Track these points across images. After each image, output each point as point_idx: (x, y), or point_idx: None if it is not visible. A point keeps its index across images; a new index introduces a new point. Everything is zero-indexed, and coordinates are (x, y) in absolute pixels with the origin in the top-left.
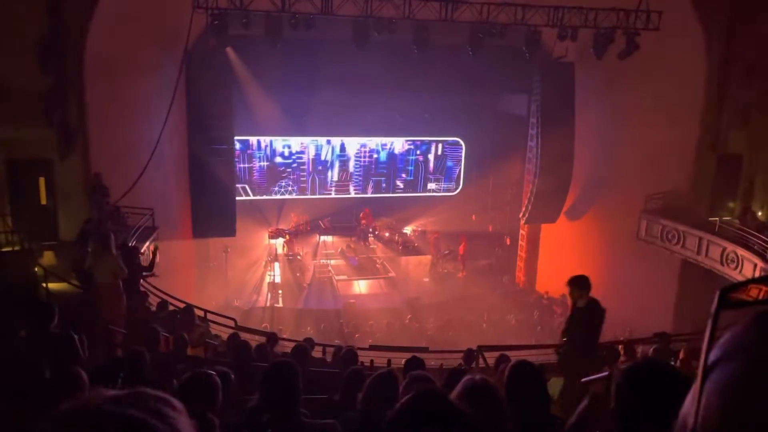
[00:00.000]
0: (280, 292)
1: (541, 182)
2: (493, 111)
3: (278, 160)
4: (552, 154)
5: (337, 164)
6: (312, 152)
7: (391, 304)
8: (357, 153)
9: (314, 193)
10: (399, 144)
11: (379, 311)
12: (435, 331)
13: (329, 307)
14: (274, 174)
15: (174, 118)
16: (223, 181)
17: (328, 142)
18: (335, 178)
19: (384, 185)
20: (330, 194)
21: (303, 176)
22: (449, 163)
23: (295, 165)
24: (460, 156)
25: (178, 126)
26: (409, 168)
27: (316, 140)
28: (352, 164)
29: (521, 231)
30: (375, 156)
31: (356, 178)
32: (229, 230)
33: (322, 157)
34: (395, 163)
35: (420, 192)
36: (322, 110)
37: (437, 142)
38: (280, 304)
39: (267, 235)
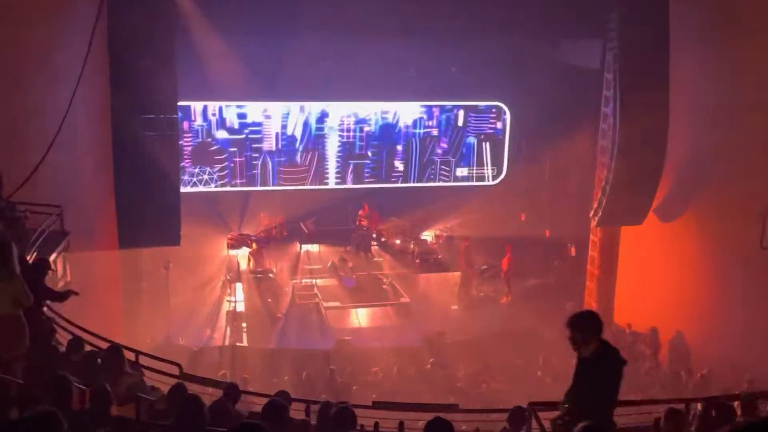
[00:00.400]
0: (244, 325)
1: (620, 167)
2: (549, 64)
3: (220, 135)
4: (636, 126)
5: (303, 140)
6: (279, 123)
7: (403, 342)
8: (340, 125)
9: (266, 184)
10: (409, 111)
11: (387, 352)
12: (467, 380)
13: (315, 346)
14: (202, 156)
15: (91, 78)
16: (162, 167)
17: (302, 109)
18: (299, 161)
19: (369, 170)
20: (293, 185)
21: (255, 158)
22: (484, 140)
23: (245, 143)
24: (501, 129)
25: (97, 89)
26: (413, 145)
27: (289, 106)
28: (333, 142)
29: (592, 237)
30: (365, 128)
31: (336, 161)
32: (170, 237)
33: (289, 131)
34: (391, 138)
35: (439, 180)
36: (304, 65)
37: (464, 108)
38: (245, 343)
39: (226, 244)
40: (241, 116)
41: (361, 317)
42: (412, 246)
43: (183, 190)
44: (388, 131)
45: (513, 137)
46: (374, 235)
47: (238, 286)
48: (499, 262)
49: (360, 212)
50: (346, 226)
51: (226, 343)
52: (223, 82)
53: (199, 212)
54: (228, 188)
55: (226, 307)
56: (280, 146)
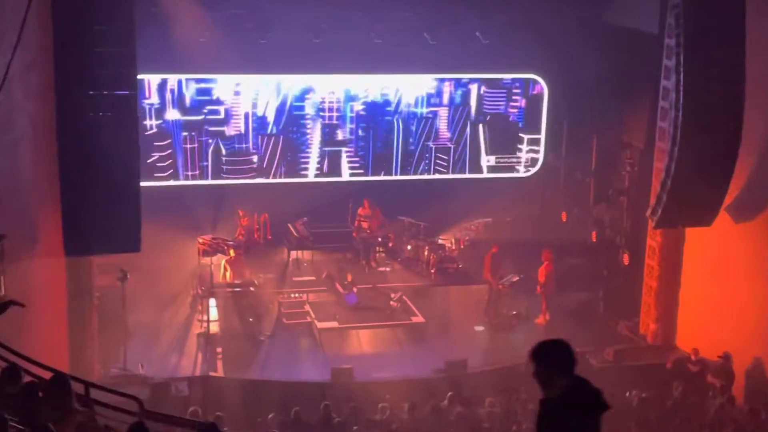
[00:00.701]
0: (219, 350)
1: (684, 155)
2: (596, 28)
3: (171, 115)
4: (705, 104)
5: (278, 122)
6: (249, 101)
7: (416, 373)
8: (321, 102)
9: (217, 176)
10: (415, 87)
11: (396, 385)
12: (495, 421)
13: (306, 376)
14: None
15: (30, 44)
16: (118, 156)
17: (278, 86)
18: (260, 149)
19: (360, 159)
20: (247, 178)
21: (210, 143)
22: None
23: (202, 125)
24: (536, 106)
25: (37, 59)
26: (418, 128)
27: (265, 80)
28: (316, 125)
29: (649, 241)
30: (356, 107)
31: (318, 148)
32: (128, 242)
33: (260, 112)
34: (389, 120)
35: (457, 173)
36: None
37: (484, 82)
38: (220, 372)
39: (197, 250)
40: (203, 92)
41: (363, 341)
42: (426, 253)
43: (144, 184)
44: (384, 111)
45: (551, 118)
46: (380, 240)
47: (212, 302)
48: (534, 273)
49: (359, 211)
50: (345, 228)
51: (197, 372)
52: (189, 52)
53: (163, 211)
54: (199, 182)
55: (196, 328)
56: (249, 128)
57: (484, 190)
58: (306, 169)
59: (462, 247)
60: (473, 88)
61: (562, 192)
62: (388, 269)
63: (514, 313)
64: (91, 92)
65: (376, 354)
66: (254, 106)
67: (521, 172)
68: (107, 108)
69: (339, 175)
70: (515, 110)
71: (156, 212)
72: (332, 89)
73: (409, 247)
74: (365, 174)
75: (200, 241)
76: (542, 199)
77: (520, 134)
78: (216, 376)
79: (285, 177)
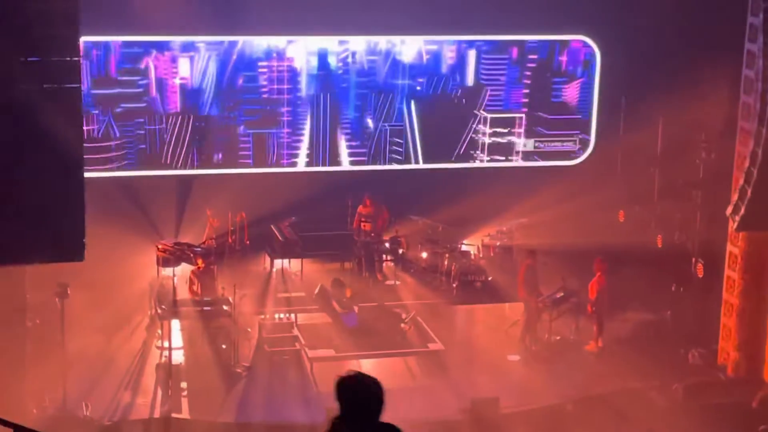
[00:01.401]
0: (183, 385)
1: None
2: None
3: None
4: None
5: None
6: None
7: (435, 414)
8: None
9: (154, 165)
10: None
11: (410, 428)
12: None
13: (294, 418)
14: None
15: None
16: (57, 139)
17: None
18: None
19: (355, 144)
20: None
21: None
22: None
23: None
24: (586, 77)
25: None
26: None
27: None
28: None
29: (730, 247)
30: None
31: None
32: (70, 249)
33: (199, 82)
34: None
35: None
36: None
37: (524, 45)
38: (185, 414)
39: (156, 259)
40: (130, 58)
41: (368, 373)
42: (446, 262)
43: (90, 175)
44: (389, 83)
45: (605, 92)
46: (387, 245)
47: (175, 324)
48: (584, 288)
49: (360, 209)
50: (343, 231)
51: (156, 414)
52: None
53: (114, 210)
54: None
55: (155, 357)
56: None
57: (518, 183)
58: (295, 156)
59: (491, 255)
60: (471, 54)
61: (618, 185)
62: (397, 282)
63: (558, 338)
64: (24, 59)
65: (384, 389)
66: (221, 74)
67: (567, 160)
68: (42, 78)
69: (337, 163)
70: (559, 82)
71: (105, 211)
72: (313, 49)
73: (424, 255)
74: (368, 162)
75: (160, 247)
76: (593, 194)
77: (565, 113)
78: (180, 418)
79: (267, 166)
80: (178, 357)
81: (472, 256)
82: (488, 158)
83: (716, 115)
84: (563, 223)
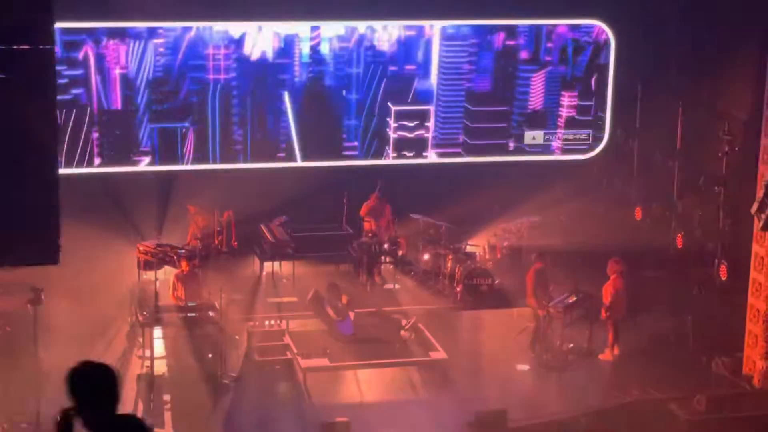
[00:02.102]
0: (167, 398)
1: None
2: None
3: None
4: None
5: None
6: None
7: (437, 428)
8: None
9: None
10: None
11: None
12: None
13: None
14: None
15: None
16: (29, 134)
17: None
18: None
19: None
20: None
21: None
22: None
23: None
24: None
25: None
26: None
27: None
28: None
29: (756, 248)
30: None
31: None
32: (43, 252)
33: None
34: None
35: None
36: None
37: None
38: (167, 429)
39: (137, 261)
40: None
41: (364, 385)
42: (449, 263)
43: (64, 171)
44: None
45: (620, 79)
46: (386, 246)
47: (157, 332)
48: (598, 291)
49: (363, 207)
50: (338, 231)
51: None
52: None
53: (90, 209)
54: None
55: (136, 368)
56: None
57: (528, 178)
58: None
59: (498, 256)
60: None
61: (635, 180)
62: (397, 286)
63: (570, 346)
64: None
65: (382, 402)
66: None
67: (579, 154)
68: (12, 68)
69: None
70: (570, 69)
71: (82, 210)
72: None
73: (426, 257)
74: (363, 156)
75: (141, 249)
76: (608, 191)
77: (579, 101)
78: None
79: (256, 161)
80: (160, 367)
81: (478, 258)
82: (395, 154)
83: (740, 105)
84: (575, 222)
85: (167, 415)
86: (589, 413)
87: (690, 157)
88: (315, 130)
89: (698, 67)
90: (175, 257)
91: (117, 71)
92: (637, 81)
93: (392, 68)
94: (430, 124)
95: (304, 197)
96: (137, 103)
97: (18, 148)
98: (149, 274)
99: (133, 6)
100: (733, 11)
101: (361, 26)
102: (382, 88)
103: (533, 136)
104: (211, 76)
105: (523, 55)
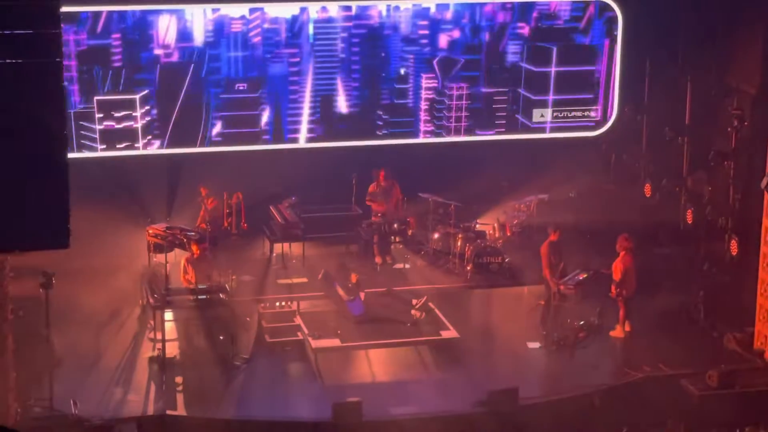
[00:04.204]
0: (179, 381)
1: None
2: None
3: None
4: None
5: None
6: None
7: (449, 407)
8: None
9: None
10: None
11: (423, 424)
12: None
13: (298, 413)
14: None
15: None
16: (37, 119)
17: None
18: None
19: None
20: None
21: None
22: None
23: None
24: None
25: None
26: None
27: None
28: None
29: (766, 222)
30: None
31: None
32: (53, 236)
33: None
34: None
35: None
36: None
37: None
38: (180, 410)
39: (147, 245)
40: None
41: (375, 365)
42: (459, 243)
43: (74, 156)
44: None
45: (627, 55)
46: (395, 226)
47: (168, 315)
48: (608, 268)
49: (371, 187)
50: (348, 212)
51: (150, 411)
52: None
53: (100, 193)
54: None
55: (147, 350)
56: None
57: (537, 156)
58: (296, 131)
59: (508, 234)
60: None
61: (644, 156)
62: (407, 266)
63: (581, 323)
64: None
65: (393, 382)
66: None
67: (588, 130)
68: (18, 53)
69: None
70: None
71: (90, 194)
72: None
73: (435, 236)
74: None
75: (151, 232)
76: (617, 167)
77: (585, 77)
78: (175, 414)
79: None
80: (172, 350)
81: (488, 236)
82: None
83: (750, 79)
84: (585, 199)
85: (179, 397)
86: (601, 390)
87: (699, 133)
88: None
89: (706, 42)
90: (185, 240)
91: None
92: (645, 56)
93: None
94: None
95: (312, 178)
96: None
97: (27, 133)
98: (159, 257)
99: None
100: None
101: None
102: None
103: (541, 113)
104: None
105: None
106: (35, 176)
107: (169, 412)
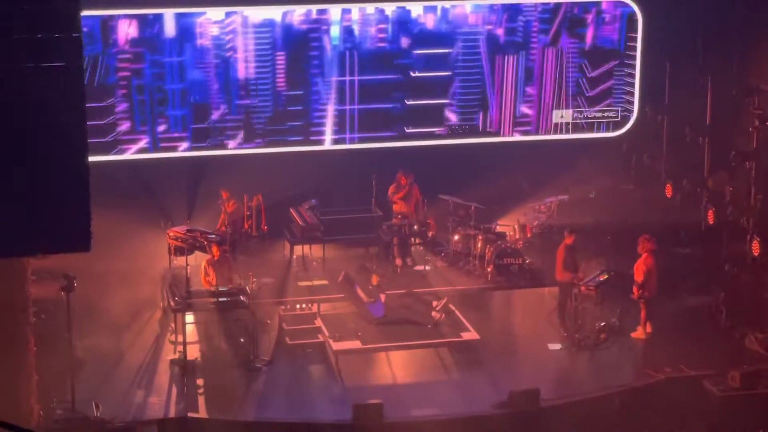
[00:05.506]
0: (200, 383)
1: None
2: None
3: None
4: None
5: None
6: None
7: (469, 409)
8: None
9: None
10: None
11: (443, 426)
12: None
13: (320, 415)
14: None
15: None
16: (58, 124)
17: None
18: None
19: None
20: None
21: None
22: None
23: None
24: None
25: None
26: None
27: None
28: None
29: None
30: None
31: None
32: (75, 239)
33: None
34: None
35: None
36: None
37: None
38: (202, 413)
39: (167, 247)
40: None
41: (396, 367)
42: (480, 244)
43: (95, 159)
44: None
45: (648, 55)
46: (416, 227)
47: (189, 317)
48: (629, 269)
49: (391, 188)
50: (368, 213)
51: (171, 413)
52: None
53: (121, 196)
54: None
55: (169, 353)
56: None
57: (557, 157)
58: (321, 133)
59: (528, 235)
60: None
61: (665, 157)
62: (427, 268)
63: (602, 324)
64: (20, 36)
65: (414, 384)
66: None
67: (608, 131)
68: (41, 57)
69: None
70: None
71: (111, 198)
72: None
73: (456, 238)
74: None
75: (171, 235)
76: (638, 168)
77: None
78: (197, 417)
79: (289, 145)
80: (193, 352)
81: (508, 237)
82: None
83: None
84: (605, 199)
85: (200, 400)
86: (622, 392)
87: (720, 132)
88: None
89: (727, 42)
90: (206, 243)
91: None
92: (665, 55)
93: None
94: None
95: (333, 180)
96: None
97: (46, 137)
98: (180, 260)
99: None
100: None
101: None
102: None
103: (561, 114)
104: None
105: None
106: (57, 179)
107: (190, 414)
